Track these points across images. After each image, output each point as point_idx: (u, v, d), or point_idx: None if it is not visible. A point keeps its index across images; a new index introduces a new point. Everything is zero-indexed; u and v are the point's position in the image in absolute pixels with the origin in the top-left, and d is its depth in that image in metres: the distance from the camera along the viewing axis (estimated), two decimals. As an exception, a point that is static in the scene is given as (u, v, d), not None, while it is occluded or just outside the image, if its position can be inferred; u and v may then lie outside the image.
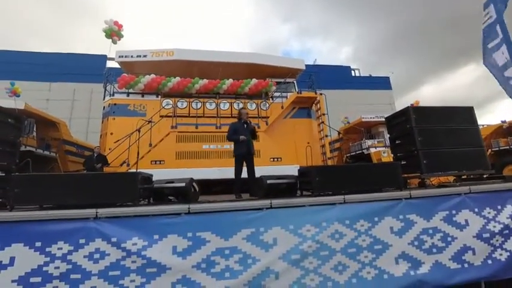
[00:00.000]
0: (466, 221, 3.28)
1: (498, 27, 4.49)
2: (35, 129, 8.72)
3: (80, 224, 2.50)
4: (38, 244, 2.39)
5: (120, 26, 9.29)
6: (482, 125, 10.88)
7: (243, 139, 4.26)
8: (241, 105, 8.04)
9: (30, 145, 8.04)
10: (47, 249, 2.39)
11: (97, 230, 2.50)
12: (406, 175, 4.15)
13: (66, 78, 20.85)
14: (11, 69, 19.45)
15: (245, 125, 4.48)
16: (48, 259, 2.37)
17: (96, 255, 2.43)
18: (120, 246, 2.47)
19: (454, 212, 3.28)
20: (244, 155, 4.35)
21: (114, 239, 2.49)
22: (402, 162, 4.08)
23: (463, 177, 4.89)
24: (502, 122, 11.27)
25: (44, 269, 2.35)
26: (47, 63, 21.14)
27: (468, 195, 3.39)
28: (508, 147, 10.80)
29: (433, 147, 3.96)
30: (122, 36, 9.49)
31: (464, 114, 4.24)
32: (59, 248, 2.41)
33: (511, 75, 4.34)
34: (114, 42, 9.39)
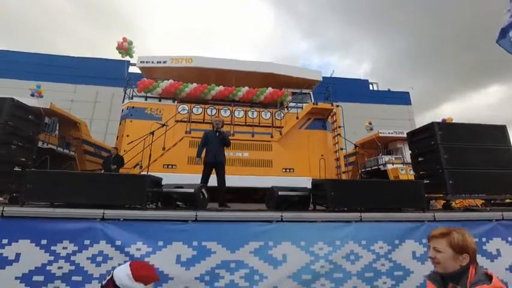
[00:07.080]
0: (498, 250, 2.96)
1: None
2: (57, 127, 9.11)
3: (86, 224, 2.46)
4: (44, 242, 2.36)
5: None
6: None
7: (198, 161, 4.37)
8: (255, 114, 7.99)
9: (51, 143, 8.37)
10: (52, 248, 2.35)
11: (102, 232, 2.44)
12: (428, 195, 3.86)
13: (90, 81, 21.85)
14: (41, 71, 20.70)
15: (217, 133, 4.53)
16: (52, 258, 2.33)
17: (99, 258, 2.36)
18: (123, 250, 2.39)
19: (484, 239, 2.97)
20: (212, 163, 4.39)
21: (118, 242, 2.41)
22: (425, 181, 3.81)
23: (492, 201, 4.49)
24: None
25: (48, 268, 2.31)
26: (74, 66, 22.32)
27: (500, 222, 3.08)
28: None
29: (460, 167, 3.68)
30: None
31: (496, 133, 3.94)
32: (63, 248, 2.37)
33: None
34: (124, 55, 8.97)
